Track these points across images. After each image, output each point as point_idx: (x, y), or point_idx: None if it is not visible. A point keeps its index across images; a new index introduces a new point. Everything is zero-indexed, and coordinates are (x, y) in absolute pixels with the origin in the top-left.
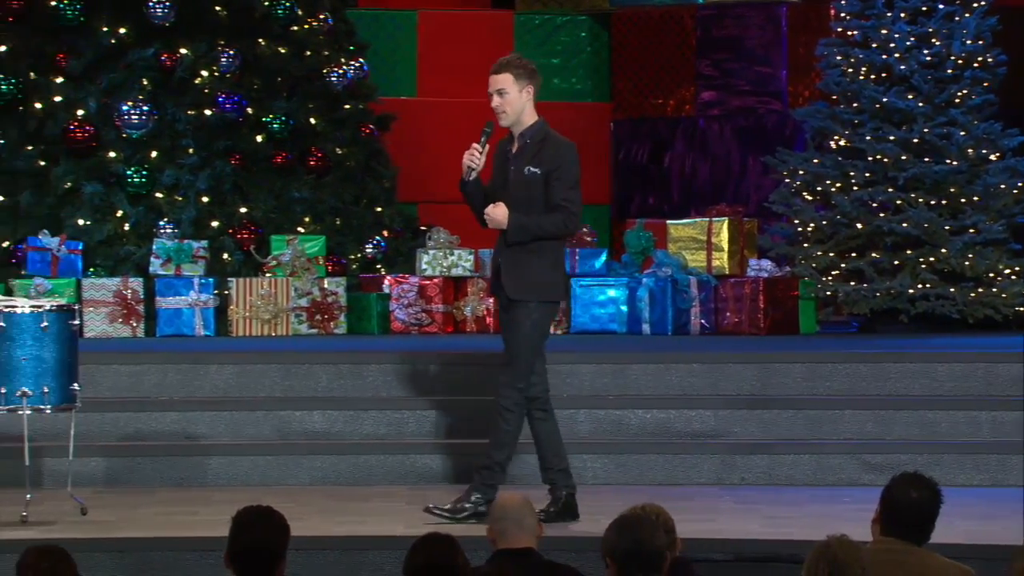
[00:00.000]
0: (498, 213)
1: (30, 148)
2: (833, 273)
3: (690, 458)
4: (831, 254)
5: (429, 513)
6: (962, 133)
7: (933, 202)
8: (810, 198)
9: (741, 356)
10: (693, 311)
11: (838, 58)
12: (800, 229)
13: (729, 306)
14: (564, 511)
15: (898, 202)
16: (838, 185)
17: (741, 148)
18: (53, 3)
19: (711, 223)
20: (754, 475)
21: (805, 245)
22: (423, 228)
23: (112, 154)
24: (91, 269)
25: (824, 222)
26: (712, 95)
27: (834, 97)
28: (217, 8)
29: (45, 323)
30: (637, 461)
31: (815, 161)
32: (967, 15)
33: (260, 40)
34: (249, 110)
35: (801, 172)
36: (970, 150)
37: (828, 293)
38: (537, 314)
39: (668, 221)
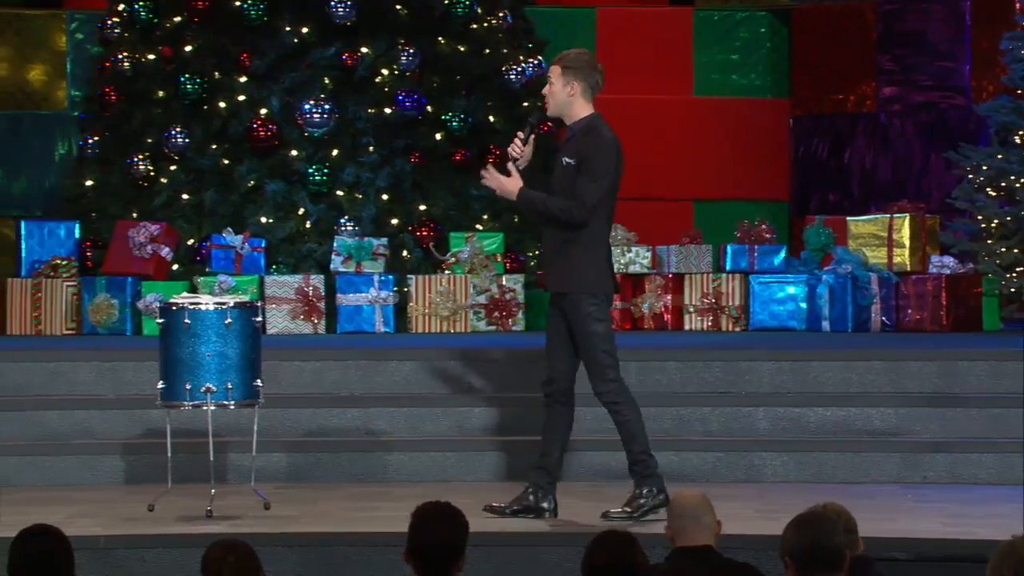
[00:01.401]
0: (506, 182)
1: (214, 147)
2: (1017, 270)
3: (871, 456)
4: (1015, 250)
5: (606, 519)
6: None
7: None
8: (994, 194)
9: (923, 353)
10: (874, 308)
11: (1023, 52)
12: (983, 225)
13: (911, 303)
14: (523, 511)
15: None
16: (1022, 181)
17: (923, 144)
18: (237, 4)
19: (892, 219)
20: (936, 473)
21: (988, 241)
22: None
23: (294, 152)
24: (273, 266)
25: (1008, 218)
26: (894, 90)
27: (1019, 91)
28: (398, 7)
29: (229, 320)
30: (817, 459)
31: (999, 156)
32: None
33: (440, 38)
34: (428, 108)
35: (984, 168)
36: None
37: (1012, 290)
38: (591, 308)
39: (848, 218)
